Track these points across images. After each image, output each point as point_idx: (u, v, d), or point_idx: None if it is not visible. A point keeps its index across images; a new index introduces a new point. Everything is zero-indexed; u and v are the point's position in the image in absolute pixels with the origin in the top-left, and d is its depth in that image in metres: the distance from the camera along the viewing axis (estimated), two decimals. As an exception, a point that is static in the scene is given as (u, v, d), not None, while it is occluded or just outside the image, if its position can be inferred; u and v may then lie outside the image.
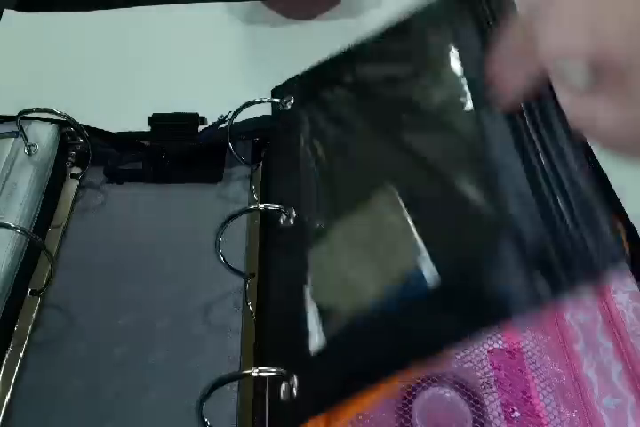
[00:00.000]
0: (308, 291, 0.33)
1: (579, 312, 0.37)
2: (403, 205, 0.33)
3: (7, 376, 0.37)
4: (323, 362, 0.31)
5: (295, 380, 0.30)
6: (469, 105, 0.33)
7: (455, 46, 0.36)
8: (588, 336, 0.36)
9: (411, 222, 0.32)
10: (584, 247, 0.25)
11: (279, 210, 0.37)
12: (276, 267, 0.36)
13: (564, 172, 0.27)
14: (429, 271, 0.29)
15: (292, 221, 0.36)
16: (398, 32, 0.41)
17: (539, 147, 0.29)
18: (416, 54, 0.39)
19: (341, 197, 0.36)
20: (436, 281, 0.29)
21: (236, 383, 0.36)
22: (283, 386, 0.30)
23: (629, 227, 0.43)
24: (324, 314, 0.32)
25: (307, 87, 0.43)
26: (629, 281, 0.39)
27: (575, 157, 0.27)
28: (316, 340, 0.32)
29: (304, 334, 0.33)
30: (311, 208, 0.37)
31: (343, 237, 0.34)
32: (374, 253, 0.32)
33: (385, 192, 0.34)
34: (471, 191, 0.31)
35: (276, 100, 0.42)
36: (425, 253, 0.30)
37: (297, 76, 0.45)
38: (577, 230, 0.25)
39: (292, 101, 0.43)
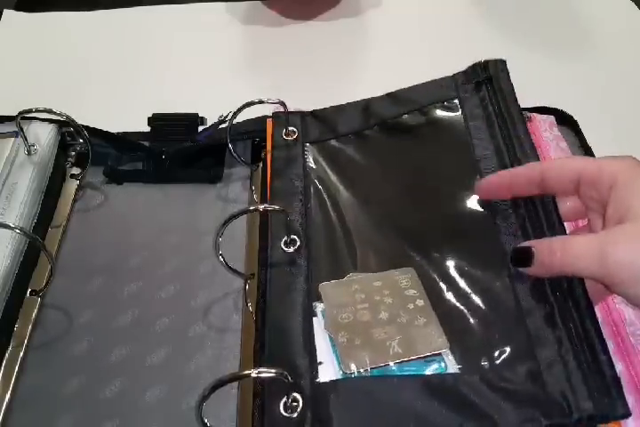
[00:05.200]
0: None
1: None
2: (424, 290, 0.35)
3: (7, 376, 0.37)
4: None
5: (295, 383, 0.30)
6: None
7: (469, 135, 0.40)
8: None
9: (430, 306, 0.34)
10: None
11: (278, 210, 0.37)
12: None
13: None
14: (449, 360, 0.32)
15: (294, 248, 0.37)
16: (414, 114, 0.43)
17: None
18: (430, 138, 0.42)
19: (355, 249, 0.38)
20: (453, 369, 0.31)
21: (235, 384, 0.36)
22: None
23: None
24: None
25: (317, 130, 0.44)
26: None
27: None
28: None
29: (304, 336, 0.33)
30: (317, 241, 0.38)
31: (360, 286, 0.36)
32: (394, 314, 0.34)
33: (408, 274, 0.36)
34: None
35: (275, 101, 0.42)
36: (446, 342, 0.33)
37: (301, 112, 0.45)
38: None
39: (295, 135, 0.44)
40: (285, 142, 0.43)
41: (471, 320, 0.33)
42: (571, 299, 0.31)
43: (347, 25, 0.64)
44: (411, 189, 0.40)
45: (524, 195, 0.34)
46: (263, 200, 0.43)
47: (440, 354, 0.32)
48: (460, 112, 0.41)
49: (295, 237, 0.37)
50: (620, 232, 0.28)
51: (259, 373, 0.29)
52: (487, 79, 0.41)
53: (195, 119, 0.49)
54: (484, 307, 0.34)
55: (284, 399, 0.30)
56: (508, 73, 0.41)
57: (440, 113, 0.42)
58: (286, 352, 0.32)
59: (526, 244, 0.32)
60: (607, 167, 0.30)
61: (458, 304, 0.34)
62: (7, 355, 0.38)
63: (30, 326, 0.39)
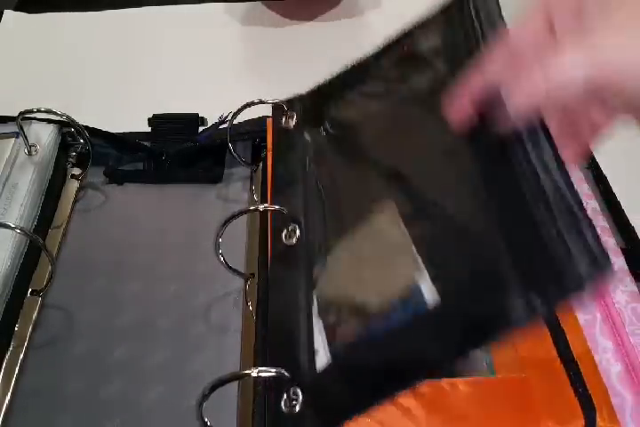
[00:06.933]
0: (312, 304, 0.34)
1: (578, 312, 0.37)
2: (402, 222, 0.33)
3: (7, 376, 0.37)
4: (325, 372, 0.31)
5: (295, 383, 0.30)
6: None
7: (452, 65, 0.36)
8: (587, 336, 0.36)
9: (410, 241, 0.32)
10: (571, 260, 0.25)
11: (278, 211, 0.37)
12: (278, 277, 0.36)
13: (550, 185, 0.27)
14: (428, 290, 0.30)
15: (295, 239, 0.37)
16: (396, 51, 0.41)
17: (525, 162, 0.29)
18: (417, 74, 0.39)
19: (345, 216, 0.36)
20: (434, 299, 0.29)
21: (235, 383, 0.36)
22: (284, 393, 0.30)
23: (626, 227, 0.44)
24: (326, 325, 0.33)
25: (310, 108, 0.43)
26: (628, 280, 0.39)
27: (560, 170, 0.27)
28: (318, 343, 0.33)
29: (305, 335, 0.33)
30: (315, 226, 0.37)
31: (346, 253, 0.35)
32: (375, 267, 0.33)
33: (387, 211, 0.34)
34: (466, 212, 0.31)
35: (276, 101, 0.42)
36: (424, 273, 0.30)
37: (299, 95, 0.44)
38: (564, 244, 0.25)
39: (295, 120, 0.43)
40: (285, 134, 0.43)
41: (451, 241, 0.31)
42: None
43: (347, 25, 0.64)
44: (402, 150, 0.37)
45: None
46: (263, 200, 0.43)
47: (418, 286, 0.30)
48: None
49: (296, 234, 0.37)
50: (605, 25, 0.24)
51: (259, 372, 0.29)
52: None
53: (195, 119, 0.50)
54: (460, 220, 0.31)
55: (285, 395, 0.30)
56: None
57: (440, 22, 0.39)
58: (288, 349, 0.32)
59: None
60: None
61: (437, 232, 0.32)
62: (8, 355, 0.38)
63: (31, 326, 0.39)
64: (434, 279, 0.30)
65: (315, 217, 0.38)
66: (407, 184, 0.35)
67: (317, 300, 0.34)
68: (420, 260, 0.31)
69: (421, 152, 0.35)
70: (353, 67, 0.43)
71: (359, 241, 0.34)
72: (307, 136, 0.42)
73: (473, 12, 0.37)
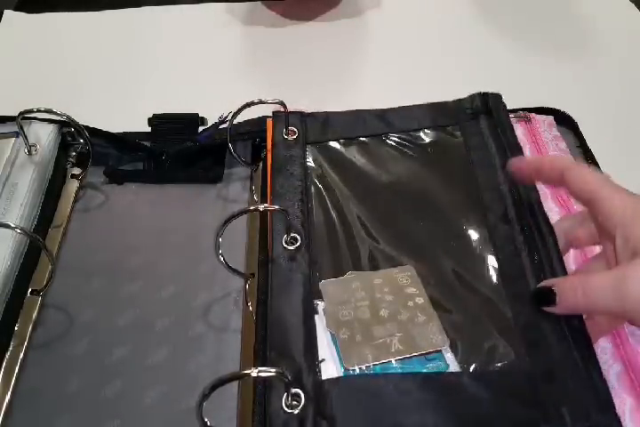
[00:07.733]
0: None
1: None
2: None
3: (7, 376, 0.37)
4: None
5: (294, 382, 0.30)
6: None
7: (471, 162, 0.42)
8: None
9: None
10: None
11: (279, 210, 0.37)
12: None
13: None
14: (452, 359, 0.32)
15: (295, 246, 0.37)
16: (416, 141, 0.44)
17: None
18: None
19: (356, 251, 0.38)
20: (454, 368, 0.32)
21: (235, 383, 0.36)
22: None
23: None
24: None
25: (317, 132, 0.45)
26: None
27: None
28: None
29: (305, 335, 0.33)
30: (316, 237, 0.38)
31: (358, 282, 0.36)
32: (394, 311, 0.35)
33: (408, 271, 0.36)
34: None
35: (276, 102, 0.42)
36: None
37: (301, 112, 0.45)
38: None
39: (296, 135, 0.44)
40: (286, 142, 0.44)
41: (470, 320, 0.33)
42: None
43: (347, 25, 0.64)
44: (411, 196, 0.41)
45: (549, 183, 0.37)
46: (263, 200, 0.43)
47: (440, 351, 0.32)
48: (460, 138, 0.43)
49: (296, 235, 0.38)
50: (632, 268, 0.29)
51: (259, 372, 0.29)
52: (485, 111, 0.44)
53: (195, 119, 0.50)
54: (482, 308, 0.34)
55: (285, 395, 0.30)
56: (505, 106, 0.44)
57: (440, 135, 0.44)
58: (287, 350, 0.33)
59: (547, 283, 0.32)
60: (619, 201, 0.31)
61: (457, 304, 0.34)
62: (8, 354, 0.38)
63: (31, 326, 0.39)
64: (455, 349, 0.33)
65: (318, 231, 0.39)
66: (426, 254, 0.37)
67: (325, 312, 0.35)
68: (440, 326, 0.33)
69: (440, 228, 0.39)
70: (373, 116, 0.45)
71: (377, 282, 0.36)
72: (309, 154, 0.43)
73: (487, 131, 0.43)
